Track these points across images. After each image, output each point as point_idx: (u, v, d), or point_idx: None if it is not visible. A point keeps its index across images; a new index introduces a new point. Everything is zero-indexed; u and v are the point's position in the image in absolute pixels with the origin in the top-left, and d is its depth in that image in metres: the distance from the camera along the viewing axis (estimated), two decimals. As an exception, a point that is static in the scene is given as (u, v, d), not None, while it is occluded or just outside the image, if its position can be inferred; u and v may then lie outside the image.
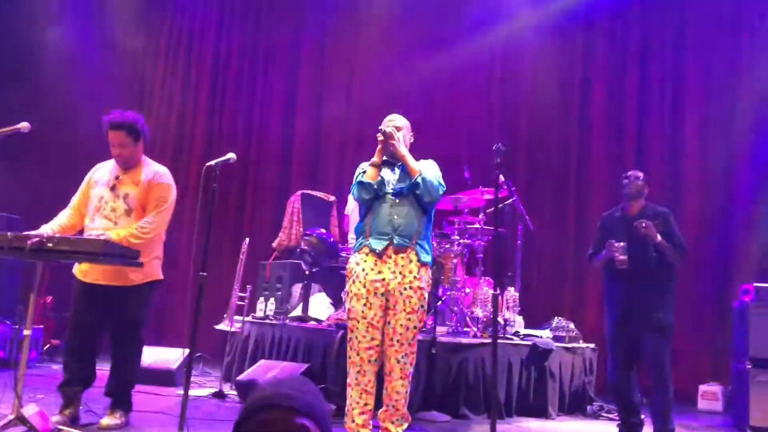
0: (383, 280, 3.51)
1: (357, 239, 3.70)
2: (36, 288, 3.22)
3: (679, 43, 7.20)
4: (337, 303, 5.67)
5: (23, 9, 7.86)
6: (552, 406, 4.97)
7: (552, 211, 7.30)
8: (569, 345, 5.29)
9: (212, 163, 3.45)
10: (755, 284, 5.02)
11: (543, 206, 7.27)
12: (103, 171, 3.90)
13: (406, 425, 3.61)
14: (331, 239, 5.79)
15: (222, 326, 5.60)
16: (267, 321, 5.75)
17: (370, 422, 3.56)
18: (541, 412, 4.91)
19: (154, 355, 5.57)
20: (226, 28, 8.49)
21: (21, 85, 7.44)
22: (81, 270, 3.78)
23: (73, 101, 7.66)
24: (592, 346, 5.48)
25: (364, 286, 3.52)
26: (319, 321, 5.45)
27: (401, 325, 3.51)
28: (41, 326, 6.16)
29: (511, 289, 5.68)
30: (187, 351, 5.40)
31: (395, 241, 3.53)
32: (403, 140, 3.70)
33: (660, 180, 6.50)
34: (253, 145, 8.22)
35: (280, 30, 8.36)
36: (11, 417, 3.11)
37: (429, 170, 3.68)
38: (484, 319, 5.27)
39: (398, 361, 3.51)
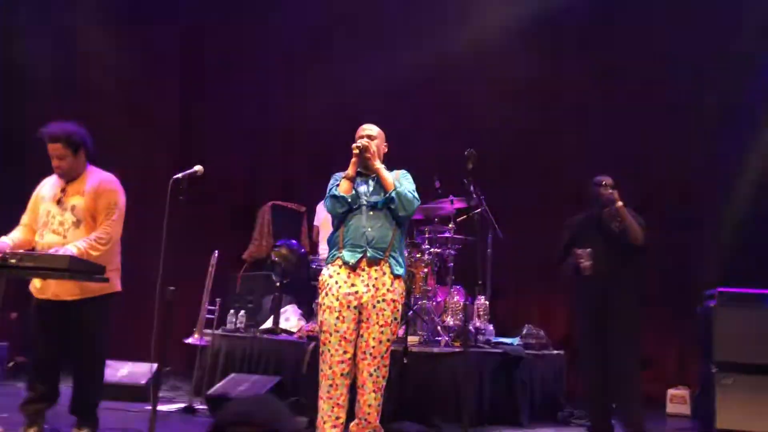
0: (356, 293, 3.50)
1: (330, 251, 3.68)
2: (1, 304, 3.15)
3: (645, 46, 7.33)
4: (309, 315, 5.65)
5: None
6: (523, 414, 5.00)
7: (520, 217, 7.37)
8: (539, 352, 5.34)
9: (179, 176, 3.43)
10: (719, 289, 5.11)
11: (511, 212, 7.34)
12: (49, 186, 3.86)
13: None
14: (302, 250, 5.78)
15: (191, 340, 5.54)
16: (237, 334, 5.70)
17: None
18: (513, 420, 4.93)
19: (122, 370, 5.51)
20: (197, 36, 8.43)
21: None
22: (36, 287, 3.72)
23: (39, 109, 7.52)
24: (561, 352, 5.53)
25: (337, 299, 3.50)
26: (290, 333, 5.42)
27: (374, 338, 3.49)
28: (5, 343, 6.03)
29: (482, 298, 5.72)
30: (156, 366, 5.37)
31: (369, 254, 3.51)
32: (377, 150, 3.70)
33: (625, 185, 6.61)
34: (223, 156, 8.17)
35: (250, 39, 8.33)
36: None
37: (404, 183, 3.68)
38: (456, 328, 5.29)
39: (371, 375, 3.50)
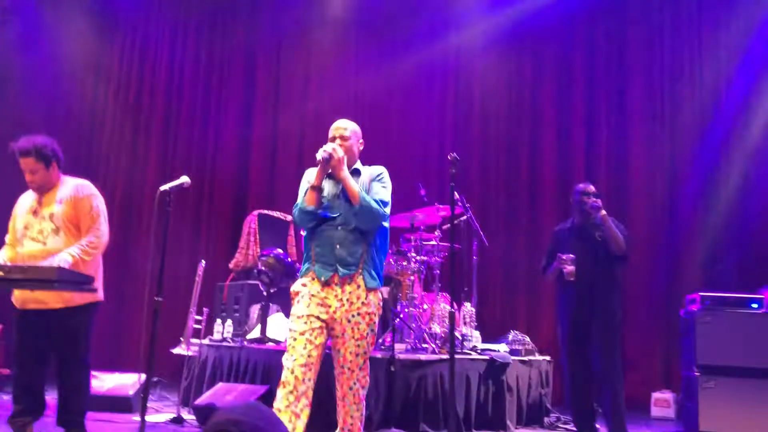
0: (329, 306, 3.38)
1: (303, 263, 3.55)
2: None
3: (623, 54, 7.44)
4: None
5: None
6: (510, 419, 5.04)
7: (504, 224, 7.44)
8: (525, 358, 5.38)
9: (166, 187, 3.45)
10: (701, 293, 5.19)
11: (496, 220, 7.41)
12: (24, 201, 3.90)
13: None
14: (289, 259, 5.79)
15: (179, 350, 5.53)
16: (224, 343, 5.70)
17: None
18: (500, 426, 4.97)
19: (109, 381, 5.49)
20: (179, 50, 8.44)
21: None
22: (18, 298, 3.73)
23: (20, 124, 7.51)
24: (547, 358, 5.59)
25: (308, 307, 3.37)
26: (277, 342, 5.43)
27: (351, 352, 3.40)
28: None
29: (468, 305, 5.76)
30: (143, 376, 5.36)
31: (340, 272, 3.39)
32: (351, 151, 3.51)
33: (607, 191, 6.73)
34: (208, 166, 8.18)
35: (234, 49, 8.37)
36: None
37: (374, 189, 3.49)
38: (442, 335, 5.33)
39: (350, 388, 3.43)
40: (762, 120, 6.90)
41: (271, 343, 5.38)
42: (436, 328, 5.44)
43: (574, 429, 4.71)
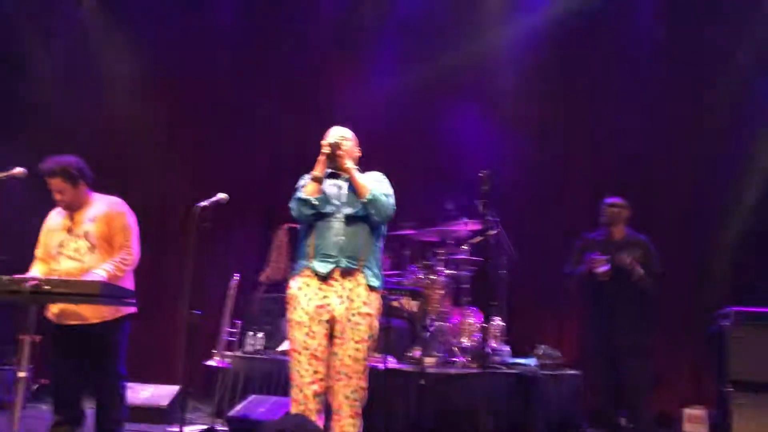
0: (329, 305, 3.25)
1: (298, 261, 3.41)
2: (31, 330, 3.27)
3: (652, 59, 7.42)
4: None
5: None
6: (540, 434, 5.04)
7: (535, 237, 7.42)
8: (555, 372, 5.38)
9: (205, 203, 3.55)
10: (732, 308, 5.15)
11: (525, 233, 7.40)
12: (56, 217, 4.00)
13: None
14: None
15: (212, 362, 5.63)
16: (256, 356, 5.79)
17: None
18: (530, 440, 4.98)
19: (144, 392, 5.59)
20: (209, 66, 8.60)
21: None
22: (55, 313, 3.83)
23: (57, 141, 7.71)
24: (576, 372, 5.57)
25: (306, 313, 3.23)
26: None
27: (349, 356, 3.22)
28: (30, 366, 6.13)
29: (497, 319, 5.78)
30: (178, 388, 5.47)
31: (342, 264, 3.26)
32: (351, 152, 3.49)
33: (636, 203, 6.71)
34: (238, 180, 8.29)
35: (266, 61, 8.49)
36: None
37: (379, 186, 3.43)
38: (472, 349, 5.36)
39: (347, 398, 3.22)
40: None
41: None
42: (466, 342, 5.47)
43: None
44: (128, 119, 8.46)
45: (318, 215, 3.34)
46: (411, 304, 5.74)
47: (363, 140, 3.73)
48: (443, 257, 5.81)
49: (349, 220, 3.33)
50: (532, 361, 5.50)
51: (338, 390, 3.23)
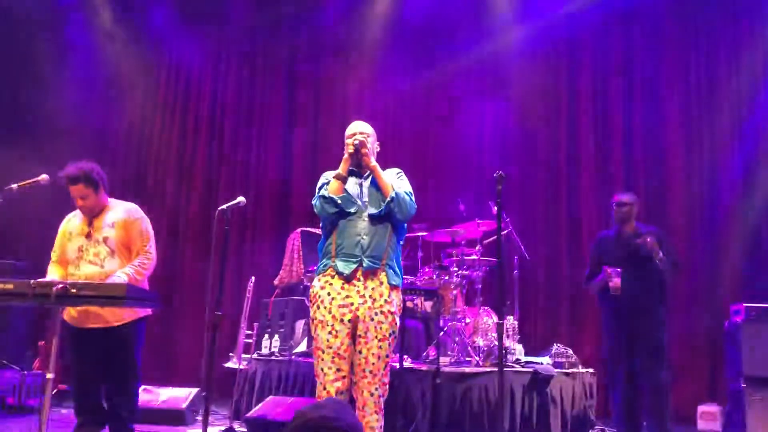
0: (351, 305, 3.27)
1: (321, 260, 3.42)
2: (57, 333, 3.33)
3: (660, 60, 7.45)
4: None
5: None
6: (555, 432, 5.09)
7: (545, 236, 7.47)
8: (569, 370, 5.41)
9: (224, 207, 3.62)
10: (745, 304, 5.18)
11: (536, 232, 7.45)
12: (75, 221, 4.05)
13: None
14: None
15: (230, 364, 5.69)
16: (273, 357, 5.85)
17: None
18: (545, 438, 5.02)
19: (163, 395, 5.66)
20: (222, 75, 8.71)
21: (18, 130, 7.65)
22: (72, 316, 3.88)
23: (71, 147, 7.82)
24: (591, 370, 5.60)
25: (330, 312, 3.27)
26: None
27: (373, 354, 3.26)
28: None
29: (510, 318, 5.83)
30: (195, 390, 5.54)
31: (365, 264, 3.29)
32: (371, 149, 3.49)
33: (645, 199, 6.74)
34: (252, 185, 8.39)
35: (276, 72, 8.59)
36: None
37: (400, 185, 3.45)
38: (486, 348, 5.40)
39: (371, 395, 3.26)
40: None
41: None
42: (480, 342, 5.52)
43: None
44: (145, 126, 8.59)
45: (341, 214, 3.36)
46: (425, 305, 5.81)
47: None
48: (456, 258, 5.87)
49: (373, 219, 3.35)
50: (546, 360, 5.54)
51: (363, 387, 3.27)
